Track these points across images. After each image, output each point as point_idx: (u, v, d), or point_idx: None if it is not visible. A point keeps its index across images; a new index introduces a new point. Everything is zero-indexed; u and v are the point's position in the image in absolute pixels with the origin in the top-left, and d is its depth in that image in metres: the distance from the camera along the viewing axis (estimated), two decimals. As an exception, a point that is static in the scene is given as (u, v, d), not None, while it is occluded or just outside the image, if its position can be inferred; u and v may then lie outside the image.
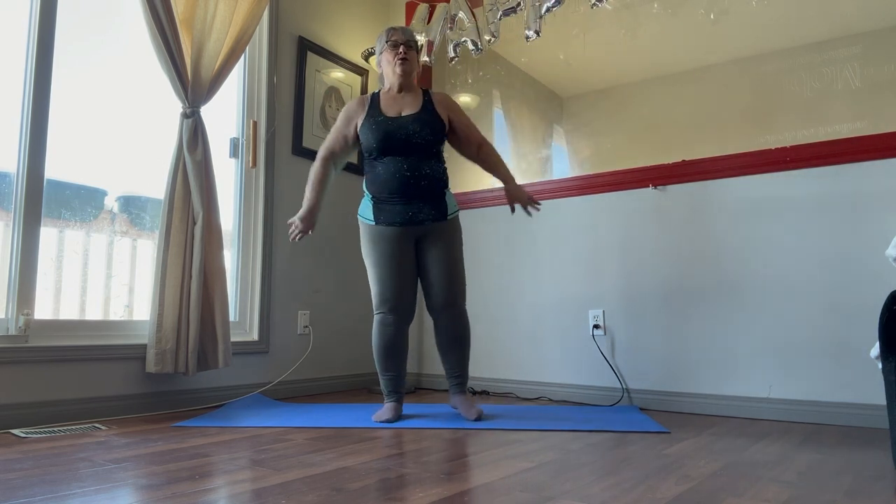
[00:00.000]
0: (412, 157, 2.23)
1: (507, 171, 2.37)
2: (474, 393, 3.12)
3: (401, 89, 2.32)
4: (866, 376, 2.23)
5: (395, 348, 2.27)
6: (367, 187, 2.29)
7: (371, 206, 2.28)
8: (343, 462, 1.61)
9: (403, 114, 2.27)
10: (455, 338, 2.31)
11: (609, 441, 1.92)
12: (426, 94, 2.35)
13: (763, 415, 2.40)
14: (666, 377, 2.64)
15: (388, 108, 2.28)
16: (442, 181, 2.28)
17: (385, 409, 2.26)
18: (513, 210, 2.33)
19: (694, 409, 2.55)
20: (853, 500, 1.30)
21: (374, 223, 2.26)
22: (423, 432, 2.05)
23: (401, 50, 2.28)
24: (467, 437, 1.98)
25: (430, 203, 2.25)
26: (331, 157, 2.32)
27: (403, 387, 2.33)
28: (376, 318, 2.29)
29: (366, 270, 3.48)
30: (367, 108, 2.31)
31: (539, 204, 2.33)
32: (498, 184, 3.19)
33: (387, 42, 2.32)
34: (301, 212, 2.25)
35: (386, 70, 2.34)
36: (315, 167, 2.31)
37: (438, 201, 2.27)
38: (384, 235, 2.25)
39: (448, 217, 2.29)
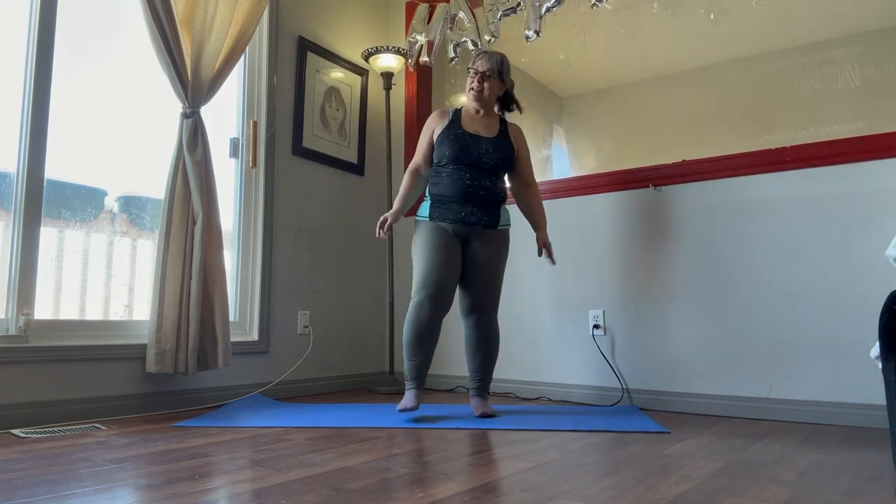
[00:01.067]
0: (476, 170, 2.38)
1: (544, 218, 2.51)
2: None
3: (478, 112, 2.48)
4: (866, 376, 2.23)
5: (426, 335, 2.32)
6: (429, 191, 2.46)
7: (429, 206, 2.42)
8: (343, 462, 1.61)
9: (480, 133, 2.44)
10: (480, 343, 2.41)
11: (609, 441, 1.92)
12: (503, 122, 2.52)
13: (763, 415, 2.40)
14: (666, 377, 2.64)
15: (468, 125, 2.45)
16: (499, 196, 2.42)
17: (407, 398, 2.32)
18: (540, 254, 2.48)
19: (694, 409, 2.55)
20: (853, 500, 1.30)
21: (428, 220, 2.41)
22: (424, 432, 2.05)
23: (475, 81, 2.43)
24: (467, 437, 1.98)
25: (483, 210, 2.39)
26: (416, 170, 2.51)
27: (425, 375, 2.37)
28: (413, 302, 2.35)
29: (368, 270, 3.49)
30: (447, 120, 2.47)
31: (554, 262, 2.48)
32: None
33: (469, 68, 2.48)
34: (391, 212, 2.43)
35: (466, 91, 2.49)
36: (405, 177, 2.52)
37: (492, 211, 2.40)
38: (436, 228, 2.38)
39: (499, 227, 2.43)
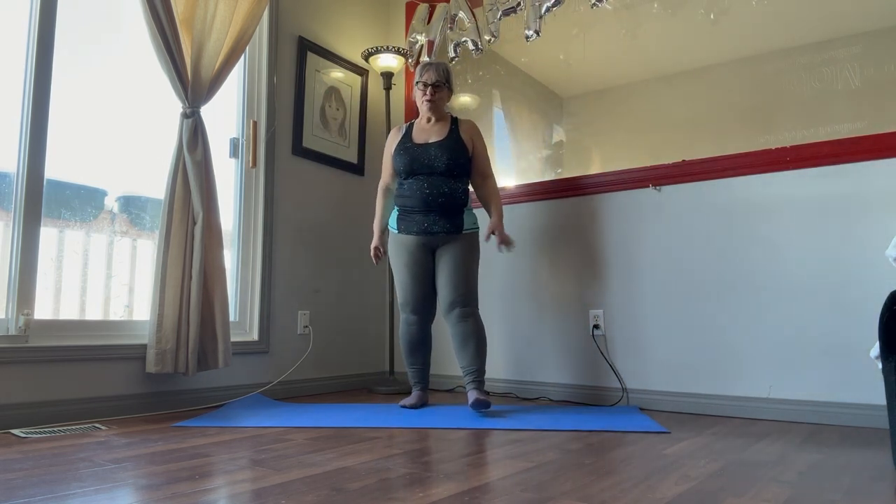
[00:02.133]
0: (433, 177, 2.50)
1: (500, 208, 2.60)
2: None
3: (429, 121, 2.61)
4: (866, 376, 2.23)
5: (419, 343, 2.60)
6: (395, 202, 2.60)
7: (396, 217, 2.58)
8: (343, 462, 1.61)
9: (430, 141, 2.55)
10: (466, 337, 2.47)
11: (609, 441, 1.92)
12: (454, 121, 2.62)
13: (763, 415, 2.40)
14: (666, 377, 2.64)
15: (418, 136, 2.59)
16: (460, 199, 2.52)
17: (412, 396, 2.58)
18: (487, 238, 2.53)
19: (694, 409, 2.55)
20: (853, 500, 1.30)
21: (396, 231, 2.57)
22: (424, 432, 2.05)
23: (428, 92, 2.55)
24: (467, 436, 1.98)
25: (445, 217, 2.49)
26: (386, 188, 2.69)
27: (428, 377, 2.65)
28: (401, 318, 2.61)
29: (368, 270, 3.49)
30: (400, 136, 2.62)
31: (514, 246, 2.55)
32: (499, 184, 3.20)
33: (416, 83, 2.59)
34: (375, 238, 2.68)
35: (417, 102, 2.62)
36: (377, 200, 2.70)
37: (454, 217, 2.51)
38: (403, 244, 2.54)
39: (463, 231, 2.52)
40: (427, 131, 2.58)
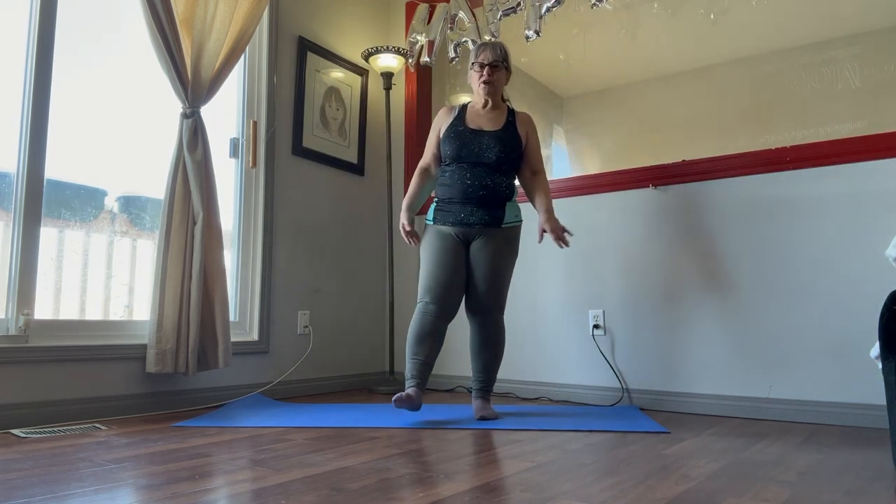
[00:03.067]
0: (478, 168, 2.33)
1: (549, 202, 2.39)
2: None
3: (486, 105, 2.42)
4: (866, 376, 2.23)
5: (429, 335, 2.29)
6: (436, 191, 2.44)
7: (433, 209, 2.42)
8: (343, 462, 1.61)
9: (484, 128, 2.38)
10: (484, 343, 2.37)
11: (609, 441, 1.92)
12: (511, 112, 2.45)
13: (763, 415, 2.40)
14: (666, 377, 2.64)
15: (472, 121, 2.40)
16: (503, 193, 2.35)
17: (407, 393, 2.21)
18: (540, 239, 2.38)
19: (694, 409, 2.55)
20: (853, 500, 1.30)
21: (432, 223, 2.41)
22: (424, 432, 2.05)
23: (485, 72, 2.37)
24: (467, 437, 1.98)
25: (484, 209, 2.33)
26: (425, 169, 2.48)
27: (427, 376, 2.30)
28: (418, 306, 2.34)
29: (367, 270, 3.49)
30: (452, 117, 2.43)
31: (571, 234, 2.35)
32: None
33: (472, 62, 2.42)
34: (403, 216, 2.42)
35: (472, 86, 2.44)
36: (413, 178, 2.49)
37: (495, 209, 2.34)
38: (438, 233, 2.37)
39: (503, 225, 2.36)
40: (482, 117, 2.41)
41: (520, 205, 2.99)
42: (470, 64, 2.45)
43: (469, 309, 2.40)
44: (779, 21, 2.51)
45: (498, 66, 2.38)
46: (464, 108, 2.46)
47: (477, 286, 2.35)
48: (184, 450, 1.75)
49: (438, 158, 2.47)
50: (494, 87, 2.39)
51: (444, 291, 2.31)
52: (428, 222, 2.44)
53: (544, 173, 2.46)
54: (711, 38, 2.66)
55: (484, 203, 2.33)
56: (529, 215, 3.03)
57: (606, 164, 2.88)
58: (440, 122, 2.47)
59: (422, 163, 2.50)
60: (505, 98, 2.52)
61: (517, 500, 1.27)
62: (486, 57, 2.38)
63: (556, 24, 3.11)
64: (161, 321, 2.36)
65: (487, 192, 2.32)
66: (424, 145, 3.11)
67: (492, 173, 2.34)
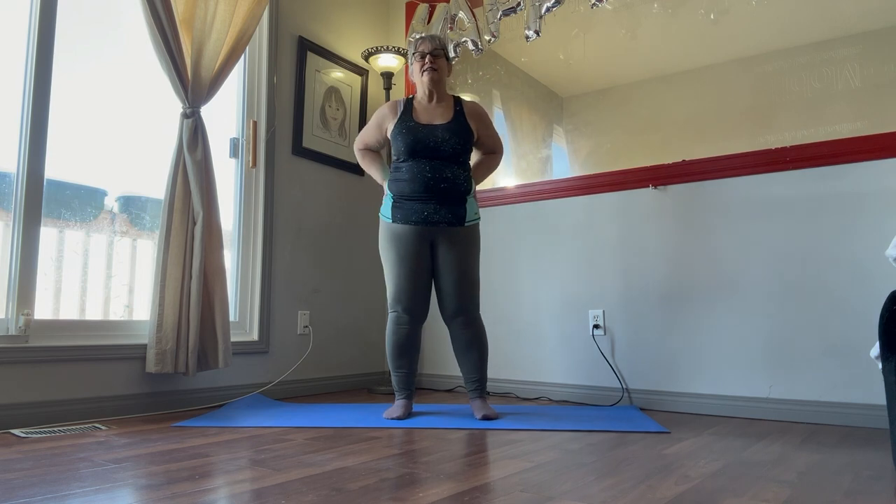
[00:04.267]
0: (436, 161, 2.31)
1: (482, 178, 2.49)
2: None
3: (431, 98, 2.40)
4: (866, 376, 2.23)
5: (407, 346, 2.35)
6: (389, 187, 2.38)
7: (391, 204, 2.35)
8: (343, 462, 1.61)
9: (435, 122, 2.36)
10: (468, 345, 2.36)
11: (609, 441, 1.92)
12: (458, 102, 2.43)
13: (763, 415, 2.40)
14: (666, 377, 2.64)
15: (420, 115, 2.38)
16: (462, 186, 2.33)
17: (396, 406, 2.33)
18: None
19: (694, 409, 2.55)
20: (853, 500, 1.30)
21: (391, 221, 2.34)
22: (424, 432, 2.05)
23: (426, 60, 2.36)
24: (467, 437, 1.98)
25: (447, 206, 2.31)
26: (366, 148, 2.50)
27: (414, 384, 2.39)
28: (391, 316, 2.36)
29: (367, 270, 3.49)
30: (399, 113, 2.40)
31: None
32: (499, 184, 3.21)
33: (413, 53, 2.41)
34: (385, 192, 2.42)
35: (416, 80, 2.42)
36: (359, 157, 2.51)
37: (457, 206, 2.33)
38: (400, 234, 2.31)
39: (466, 223, 2.34)
40: (431, 111, 2.38)
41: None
42: (410, 54, 2.44)
43: (446, 315, 2.37)
44: (779, 21, 2.51)
45: (439, 55, 2.38)
46: (409, 102, 2.42)
47: (450, 293, 2.33)
48: (184, 450, 1.75)
49: (376, 141, 2.46)
50: (439, 76, 2.37)
51: (414, 298, 2.32)
52: (385, 219, 2.36)
53: (500, 154, 2.51)
54: (711, 38, 2.66)
55: (446, 198, 2.30)
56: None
57: (606, 164, 2.88)
58: (382, 119, 2.43)
59: (360, 145, 2.49)
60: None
61: (517, 500, 1.27)
62: (425, 47, 2.38)
63: (556, 24, 3.11)
64: (161, 321, 2.36)
65: (448, 184, 2.30)
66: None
67: (450, 166, 2.32)
